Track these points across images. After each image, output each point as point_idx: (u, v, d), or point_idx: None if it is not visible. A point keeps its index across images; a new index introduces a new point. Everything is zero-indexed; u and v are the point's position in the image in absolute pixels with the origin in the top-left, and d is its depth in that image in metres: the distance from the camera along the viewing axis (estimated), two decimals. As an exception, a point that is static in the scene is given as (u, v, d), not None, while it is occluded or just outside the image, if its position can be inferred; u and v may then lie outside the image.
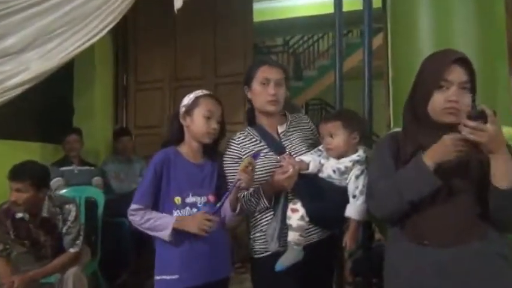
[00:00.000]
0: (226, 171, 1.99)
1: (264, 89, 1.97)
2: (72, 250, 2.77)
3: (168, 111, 4.75)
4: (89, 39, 3.13)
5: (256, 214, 1.95)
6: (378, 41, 6.49)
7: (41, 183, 2.67)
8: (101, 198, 3.39)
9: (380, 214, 1.56)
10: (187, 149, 1.99)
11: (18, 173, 2.59)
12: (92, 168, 4.19)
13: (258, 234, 1.94)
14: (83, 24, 3.07)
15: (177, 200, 1.89)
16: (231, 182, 1.89)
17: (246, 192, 1.93)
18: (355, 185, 1.76)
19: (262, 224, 1.93)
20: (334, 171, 1.81)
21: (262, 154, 1.95)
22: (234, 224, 1.96)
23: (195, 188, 1.91)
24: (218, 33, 4.74)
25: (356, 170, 1.77)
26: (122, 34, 4.97)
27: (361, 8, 2.54)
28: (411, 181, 1.41)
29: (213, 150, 2.01)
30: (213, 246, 1.89)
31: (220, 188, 1.95)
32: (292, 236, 1.79)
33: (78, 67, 4.61)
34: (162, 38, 4.86)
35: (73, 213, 2.78)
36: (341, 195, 1.79)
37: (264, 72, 1.98)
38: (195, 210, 1.89)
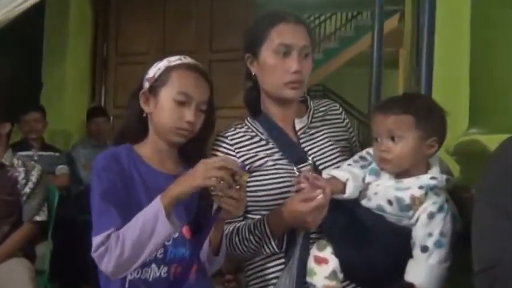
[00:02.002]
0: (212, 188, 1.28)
1: (282, 62, 1.26)
2: (38, 218, 2.37)
3: None
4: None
5: (256, 260, 1.25)
6: (390, 24, 5.76)
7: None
8: (55, 198, 2.68)
9: None
10: (151, 150, 1.28)
11: None
12: (56, 154, 3.58)
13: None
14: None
15: None
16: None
17: (238, 225, 1.23)
18: (427, 230, 1.06)
19: (266, 279, 1.22)
20: (390, 202, 1.10)
21: (270, 162, 1.24)
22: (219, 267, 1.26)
23: None
24: (216, 2, 4.19)
25: (430, 204, 1.07)
26: None
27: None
28: None
29: (195, 152, 1.30)
30: None
31: (204, 214, 1.24)
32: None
33: (49, 34, 4.09)
34: (149, 3, 4.32)
35: (37, 173, 2.42)
36: (399, 242, 1.10)
37: (282, 35, 1.26)
38: (159, 254, 1.17)
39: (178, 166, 1.29)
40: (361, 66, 7.15)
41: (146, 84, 1.26)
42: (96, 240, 1.11)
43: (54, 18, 4.07)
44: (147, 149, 1.27)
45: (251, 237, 1.18)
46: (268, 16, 1.31)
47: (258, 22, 1.33)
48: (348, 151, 1.33)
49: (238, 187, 1.08)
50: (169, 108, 1.22)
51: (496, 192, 0.92)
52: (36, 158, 3.38)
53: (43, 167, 3.26)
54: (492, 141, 1.12)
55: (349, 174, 1.15)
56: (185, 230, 1.21)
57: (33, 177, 2.40)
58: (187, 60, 1.27)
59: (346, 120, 1.40)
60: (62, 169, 3.47)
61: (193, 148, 1.28)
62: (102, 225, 1.11)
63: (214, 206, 1.10)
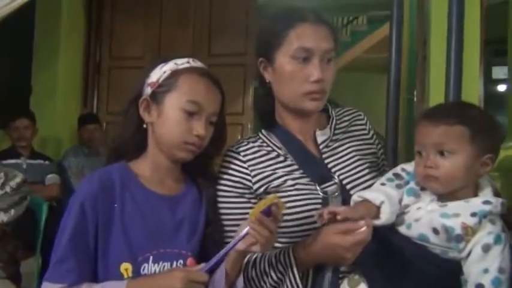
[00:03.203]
0: (222, 212, 1.11)
1: (301, 69, 1.08)
2: None
3: None
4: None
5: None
6: (384, 30, 5.65)
7: None
8: (42, 210, 2.50)
9: None
10: (150, 167, 1.10)
11: None
12: (46, 162, 3.40)
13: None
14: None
15: (125, 269, 0.99)
16: (231, 236, 1.04)
17: (255, 257, 1.06)
18: (482, 265, 0.89)
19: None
20: (435, 231, 0.94)
21: (290, 182, 1.08)
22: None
23: (163, 245, 1.03)
24: (215, 4, 4.00)
25: (485, 235, 0.90)
26: None
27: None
28: None
29: (200, 169, 1.13)
30: None
31: (211, 243, 1.07)
32: None
33: (39, 36, 3.89)
34: (146, 5, 4.13)
35: (18, 180, 2.21)
36: (444, 277, 0.94)
37: (302, 37, 1.08)
38: None
39: (180, 185, 1.12)
40: (356, 71, 7.02)
41: (148, 90, 1.09)
42: (46, 286, 0.99)
43: (44, 20, 3.89)
44: (145, 167, 1.10)
45: (271, 271, 1.01)
46: (286, 15, 1.13)
47: (274, 22, 1.15)
48: (376, 167, 1.17)
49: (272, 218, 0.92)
50: (176, 118, 1.05)
51: None
52: (25, 166, 3.24)
53: (32, 176, 3.13)
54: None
55: (384, 197, 0.98)
56: (190, 262, 1.04)
57: (13, 183, 2.21)
58: (197, 64, 1.11)
59: (372, 132, 1.23)
60: (52, 178, 3.31)
61: (198, 165, 1.11)
62: (58, 275, 0.99)
63: (240, 233, 0.93)
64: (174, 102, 1.06)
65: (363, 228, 0.91)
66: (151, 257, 1.01)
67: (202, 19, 4.00)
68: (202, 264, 0.98)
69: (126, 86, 4.42)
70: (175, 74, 1.07)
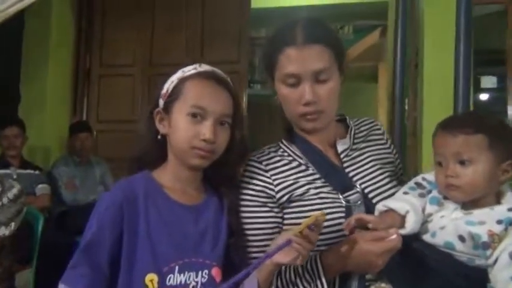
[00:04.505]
0: (246, 222, 1.10)
1: (293, 93, 1.08)
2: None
3: (140, 103, 3.96)
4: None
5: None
6: (371, 38, 5.74)
7: None
8: (38, 222, 2.45)
9: None
10: (171, 177, 1.09)
11: None
12: (36, 172, 3.33)
13: None
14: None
15: (151, 280, 0.97)
16: (255, 245, 1.05)
17: (283, 266, 1.04)
18: (510, 272, 0.90)
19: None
20: (462, 239, 0.94)
21: (313, 191, 1.08)
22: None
23: (187, 255, 1.01)
24: (207, 12, 3.99)
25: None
26: (87, 5, 4.19)
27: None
28: None
29: (223, 178, 1.11)
30: None
31: (234, 252, 1.06)
32: None
33: (29, 43, 3.84)
34: (137, 12, 4.08)
35: (15, 191, 2.20)
36: (471, 285, 0.94)
37: (288, 63, 1.07)
38: None
39: (201, 194, 1.11)
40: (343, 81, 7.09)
41: (161, 102, 1.09)
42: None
43: (34, 27, 3.84)
44: (167, 176, 1.08)
45: (298, 280, 1.00)
46: (276, 36, 1.12)
47: (268, 44, 1.15)
48: (395, 176, 1.17)
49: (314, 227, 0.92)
50: (183, 125, 1.04)
51: None
52: (15, 176, 3.15)
53: (22, 186, 3.05)
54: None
55: (409, 206, 0.98)
56: (215, 272, 1.03)
57: (10, 194, 2.19)
58: (203, 68, 1.09)
59: (389, 141, 1.24)
60: (43, 188, 3.25)
61: (221, 174, 1.10)
62: (71, 279, 0.99)
63: (275, 245, 0.92)
64: (180, 109, 1.05)
65: (394, 236, 0.91)
66: (176, 267, 0.99)
67: (194, 27, 3.98)
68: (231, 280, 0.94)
69: (117, 94, 4.41)
70: (181, 82, 1.07)
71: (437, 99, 2.93)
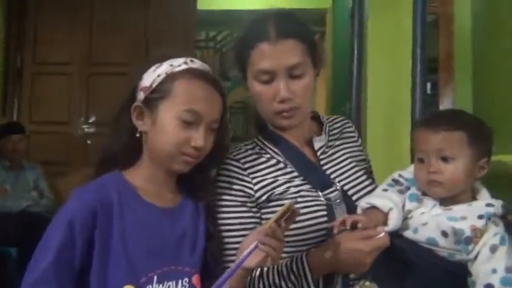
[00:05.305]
0: (223, 223, 1.05)
1: (267, 90, 1.06)
2: None
3: (78, 104, 3.79)
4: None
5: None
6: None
7: None
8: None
9: None
10: (145, 178, 1.01)
11: None
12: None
13: None
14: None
15: None
16: (232, 248, 1.00)
17: (265, 269, 1.01)
18: (490, 266, 0.92)
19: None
20: (445, 234, 0.96)
21: (293, 189, 1.06)
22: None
23: (166, 263, 0.94)
24: (152, 12, 3.87)
25: (492, 236, 0.93)
26: (19, 2, 3.95)
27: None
28: None
29: (198, 180, 1.06)
30: None
31: (211, 257, 1.01)
32: None
33: None
34: (74, 9, 3.90)
35: None
36: (451, 281, 0.96)
37: (261, 59, 1.04)
38: None
39: (176, 195, 1.04)
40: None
41: (141, 95, 1.00)
42: None
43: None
44: (140, 177, 1.00)
45: (282, 282, 0.97)
46: (248, 32, 1.09)
47: (239, 40, 1.12)
48: (369, 173, 1.18)
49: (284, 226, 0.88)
50: (171, 128, 0.96)
51: None
52: None
53: None
54: None
55: (392, 203, 0.99)
56: (195, 280, 0.97)
57: None
58: (196, 64, 1.01)
59: (360, 139, 1.25)
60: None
61: (196, 175, 1.04)
62: None
63: (247, 249, 0.88)
64: (169, 110, 0.96)
65: (382, 234, 0.92)
66: (155, 277, 0.92)
67: (137, 26, 3.84)
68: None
69: (51, 94, 4.17)
70: (170, 78, 0.98)
71: (381, 104, 3.05)
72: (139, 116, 1.00)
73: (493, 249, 0.93)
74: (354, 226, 0.93)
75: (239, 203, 1.06)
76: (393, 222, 0.98)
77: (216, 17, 4.54)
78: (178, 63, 1.00)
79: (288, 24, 1.07)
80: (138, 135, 1.00)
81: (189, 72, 0.99)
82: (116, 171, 1.00)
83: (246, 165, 1.09)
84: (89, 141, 3.83)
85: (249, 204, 1.06)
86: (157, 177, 1.01)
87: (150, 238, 0.94)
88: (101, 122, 3.76)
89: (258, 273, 1.00)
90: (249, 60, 1.06)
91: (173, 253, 0.96)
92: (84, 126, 3.88)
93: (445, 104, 3.49)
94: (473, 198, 1.01)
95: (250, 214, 1.06)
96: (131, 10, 3.85)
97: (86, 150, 3.74)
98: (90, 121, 3.87)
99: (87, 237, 0.90)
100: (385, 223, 0.98)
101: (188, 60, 1.01)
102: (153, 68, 1.01)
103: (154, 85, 0.98)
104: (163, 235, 0.96)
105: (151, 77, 1.00)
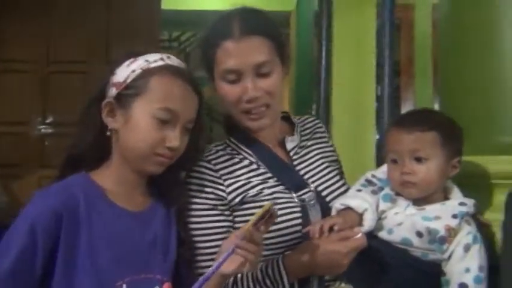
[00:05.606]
0: (194, 227, 1.02)
1: (233, 89, 1.03)
2: None
3: (35, 103, 3.61)
4: None
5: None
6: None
7: None
8: None
9: None
10: (114, 180, 0.96)
11: None
12: None
13: None
14: None
15: None
16: (205, 253, 0.98)
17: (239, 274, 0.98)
18: (464, 265, 0.93)
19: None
20: (419, 234, 0.96)
21: (266, 191, 1.03)
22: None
23: (136, 270, 0.90)
24: (114, 10, 3.74)
25: (465, 235, 0.95)
26: None
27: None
28: None
29: (170, 182, 1.02)
30: None
31: (183, 263, 0.97)
32: None
33: None
34: (32, 5, 3.71)
35: None
36: (425, 281, 0.96)
37: (227, 58, 1.01)
38: None
39: (146, 198, 1.00)
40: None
41: (112, 91, 0.96)
42: None
43: None
44: (109, 179, 0.96)
45: (258, 285, 0.95)
46: (212, 30, 1.07)
47: (203, 39, 1.09)
48: (341, 174, 1.18)
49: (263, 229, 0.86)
50: (145, 127, 0.92)
51: None
52: None
53: None
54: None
55: (367, 204, 0.98)
56: (167, 286, 0.93)
57: None
58: (172, 61, 0.98)
59: (331, 140, 1.24)
60: None
61: (167, 177, 1.00)
62: None
63: (223, 255, 0.85)
64: (143, 108, 0.92)
65: (359, 235, 0.91)
66: (124, 286, 0.87)
67: (98, 24, 3.70)
68: None
69: (11, 93, 3.97)
70: (145, 75, 0.94)
71: (345, 105, 3.08)
72: (110, 113, 0.95)
73: (467, 248, 0.94)
74: (330, 229, 0.92)
75: (210, 206, 1.03)
76: (368, 223, 0.97)
77: (180, 17, 4.46)
78: (154, 59, 0.96)
79: (253, 21, 1.05)
80: (108, 133, 0.95)
81: (166, 69, 0.96)
82: (83, 173, 0.95)
83: (218, 167, 1.06)
84: (46, 143, 3.67)
85: (221, 208, 1.03)
86: (127, 178, 0.96)
87: (119, 244, 0.90)
88: (59, 122, 3.60)
89: (232, 281, 0.97)
90: (215, 60, 1.03)
91: (144, 260, 0.92)
92: (41, 126, 3.72)
93: (406, 107, 3.57)
94: (446, 197, 1.02)
95: (223, 218, 1.03)
96: (92, 8, 3.71)
97: (43, 152, 3.58)
98: (48, 121, 3.71)
99: (49, 243, 0.85)
100: (360, 224, 0.98)
101: (165, 56, 0.98)
102: (126, 62, 0.97)
103: (128, 81, 0.94)
104: (133, 241, 0.92)
105: (125, 72, 0.95)
